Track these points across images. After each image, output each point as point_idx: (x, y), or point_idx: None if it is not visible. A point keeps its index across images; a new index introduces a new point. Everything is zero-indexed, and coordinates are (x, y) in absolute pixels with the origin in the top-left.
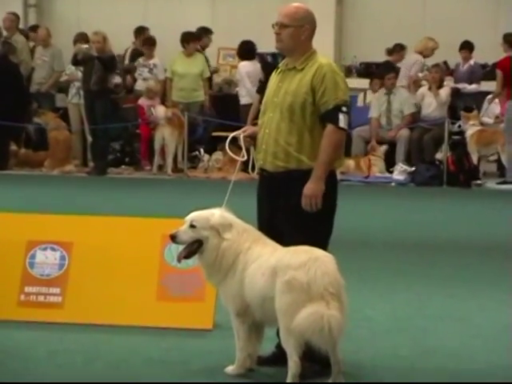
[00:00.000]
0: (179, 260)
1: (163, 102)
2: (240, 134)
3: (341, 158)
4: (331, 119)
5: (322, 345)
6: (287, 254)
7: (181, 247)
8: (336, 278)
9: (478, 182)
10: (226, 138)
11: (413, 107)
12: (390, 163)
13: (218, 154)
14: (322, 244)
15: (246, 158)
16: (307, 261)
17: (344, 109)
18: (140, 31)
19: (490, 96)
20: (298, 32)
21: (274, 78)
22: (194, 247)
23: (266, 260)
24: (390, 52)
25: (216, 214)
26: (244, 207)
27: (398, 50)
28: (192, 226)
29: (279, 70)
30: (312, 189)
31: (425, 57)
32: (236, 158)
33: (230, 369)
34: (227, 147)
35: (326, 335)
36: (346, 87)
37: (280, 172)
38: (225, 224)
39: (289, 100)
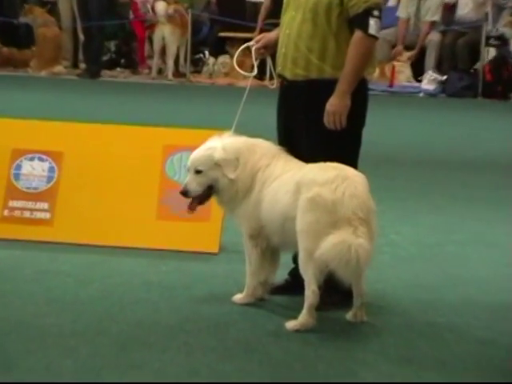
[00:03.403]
0: (192, 210)
1: None
2: (252, 44)
3: (372, 64)
4: (360, 24)
5: (347, 277)
6: (313, 170)
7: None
8: (366, 201)
9: None
10: (234, 39)
11: (436, 15)
12: (418, 71)
13: (224, 58)
14: (350, 163)
15: (255, 73)
16: (335, 178)
17: (375, 13)
18: None
19: None
20: None
21: None
22: (206, 193)
23: (290, 176)
24: None
25: (218, 149)
26: (256, 119)
27: None
28: (198, 172)
29: None
30: (336, 105)
31: None
32: (245, 74)
33: (237, 297)
34: (235, 62)
35: (354, 267)
36: None
37: (299, 81)
38: (228, 160)
39: (312, 0)
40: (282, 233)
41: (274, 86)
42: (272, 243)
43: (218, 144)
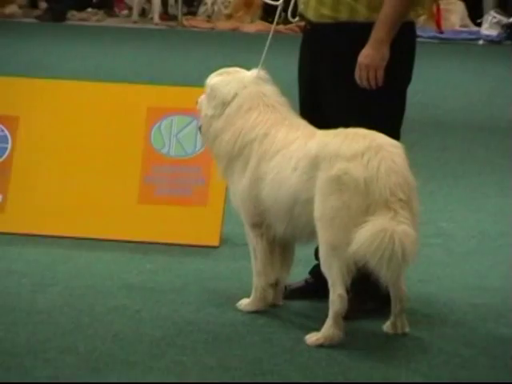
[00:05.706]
0: None
1: None
2: None
3: (421, 3)
4: None
5: (389, 275)
6: (335, 139)
7: None
8: (406, 177)
9: None
10: None
11: None
12: (476, 11)
13: None
14: (390, 130)
15: (281, 0)
16: (366, 150)
17: None
18: None
19: None
20: None
21: None
22: None
23: (299, 148)
24: None
25: (224, 74)
26: (270, 74)
27: None
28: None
29: None
30: (370, 56)
31: None
32: (271, 2)
33: (244, 303)
34: None
35: (399, 262)
36: None
37: (326, 24)
38: (216, 91)
39: None
40: (290, 220)
41: (295, 21)
42: (279, 233)
43: (240, 74)
